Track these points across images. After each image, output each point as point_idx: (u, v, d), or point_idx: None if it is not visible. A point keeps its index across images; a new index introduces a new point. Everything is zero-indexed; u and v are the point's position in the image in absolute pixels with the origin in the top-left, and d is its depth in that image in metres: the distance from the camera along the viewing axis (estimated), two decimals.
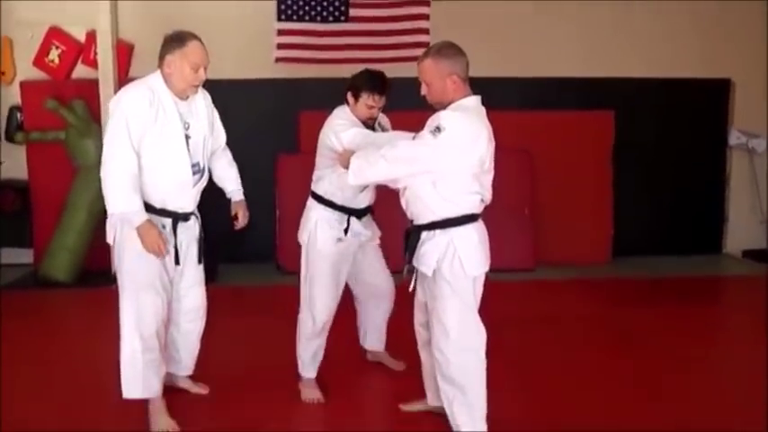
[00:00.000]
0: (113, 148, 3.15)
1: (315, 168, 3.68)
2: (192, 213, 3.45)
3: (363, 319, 4.01)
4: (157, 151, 3.21)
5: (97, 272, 6.02)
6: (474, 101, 3.02)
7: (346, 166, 3.13)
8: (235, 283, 6.12)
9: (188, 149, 3.28)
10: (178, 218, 3.36)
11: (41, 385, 3.92)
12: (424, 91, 3.04)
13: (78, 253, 6.14)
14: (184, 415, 3.51)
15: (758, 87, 7.05)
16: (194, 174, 3.34)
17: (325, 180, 3.60)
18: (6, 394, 3.73)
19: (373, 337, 4.03)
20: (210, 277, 5.89)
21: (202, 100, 3.43)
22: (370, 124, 3.57)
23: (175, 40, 3.23)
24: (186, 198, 3.37)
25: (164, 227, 3.30)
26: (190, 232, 3.47)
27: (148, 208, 3.23)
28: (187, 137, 3.28)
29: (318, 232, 3.61)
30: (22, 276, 6.36)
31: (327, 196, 3.62)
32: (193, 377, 3.81)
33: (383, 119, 3.74)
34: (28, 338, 4.69)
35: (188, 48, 3.22)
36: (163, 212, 3.30)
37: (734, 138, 7.11)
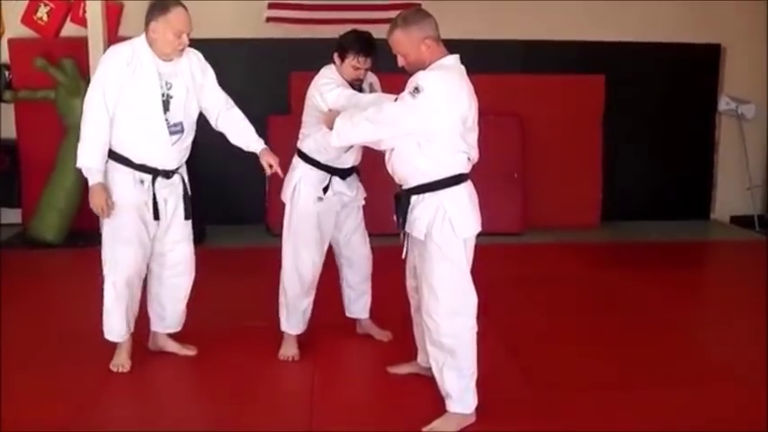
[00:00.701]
0: (87, 107, 3.33)
1: (301, 127, 3.68)
2: (175, 171, 3.51)
3: (345, 286, 3.97)
4: (133, 110, 3.33)
5: (86, 232, 5.97)
6: (452, 60, 3.00)
7: (331, 127, 3.13)
8: (224, 245, 6.13)
9: (167, 109, 3.37)
10: (158, 174, 3.43)
11: (31, 339, 3.97)
12: (401, 62, 3.02)
13: (67, 213, 6.12)
14: (171, 374, 3.60)
15: (748, 53, 7.04)
16: (174, 133, 3.42)
17: (311, 138, 3.60)
18: None
19: (357, 305, 3.99)
20: (199, 239, 5.96)
21: (191, 60, 3.47)
22: (356, 85, 3.56)
23: (159, 7, 3.31)
24: (166, 156, 3.44)
25: (142, 182, 3.42)
26: (173, 189, 3.53)
27: (129, 163, 3.38)
28: (169, 96, 3.37)
29: (301, 191, 3.63)
30: (10, 236, 6.35)
31: (312, 155, 3.62)
32: (181, 338, 3.83)
33: (373, 79, 3.71)
34: (16, 297, 4.70)
35: (171, 14, 3.29)
36: (143, 168, 3.41)
37: (723, 103, 7.11)
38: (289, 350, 3.78)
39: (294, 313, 3.76)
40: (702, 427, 3.12)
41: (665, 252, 6.17)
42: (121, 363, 3.58)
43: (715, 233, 7.04)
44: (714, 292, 5.40)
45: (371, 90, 3.66)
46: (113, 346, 3.61)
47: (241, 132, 3.64)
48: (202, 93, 3.54)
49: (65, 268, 5.66)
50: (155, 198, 3.45)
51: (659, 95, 7.05)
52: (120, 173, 3.41)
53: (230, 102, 3.67)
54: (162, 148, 3.41)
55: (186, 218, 3.60)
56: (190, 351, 3.80)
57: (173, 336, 3.81)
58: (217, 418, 3.21)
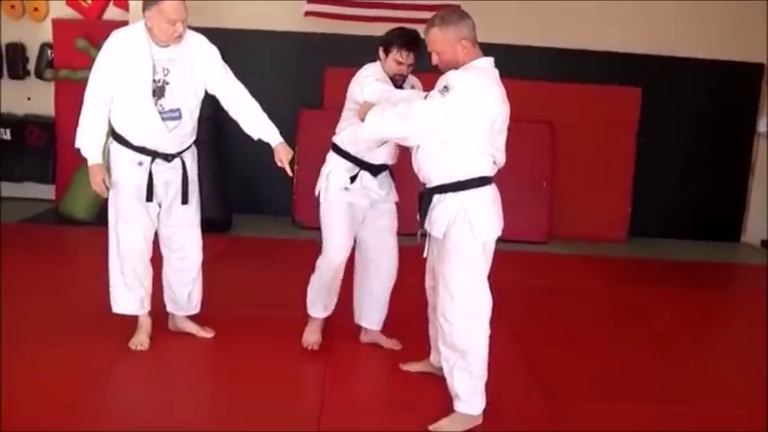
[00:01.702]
0: (86, 92, 3.46)
1: (340, 120, 3.70)
2: (175, 155, 3.57)
3: (360, 291, 3.87)
4: (126, 95, 3.43)
5: None
6: (486, 62, 3.01)
7: (363, 118, 3.15)
8: (249, 234, 6.17)
9: (162, 95, 3.44)
10: (157, 156, 3.51)
11: (56, 314, 4.06)
12: (435, 60, 3.03)
13: None
14: (188, 354, 3.67)
15: None
16: (170, 119, 3.48)
17: (346, 131, 3.61)
18: (19, 321, 3.87)
19: (370, 314, 3.85)
20: (225, 227, 6.03)
21: (191, 46, 3.50)
22: (398, 81, 3.57)
23: None
24: (164, 140, 3.52)
25: (141, 163, 3.51)
26: (175, 172, 3.60)
27: (129, 144, 3.49)
28: (165, 82, 3.43)
29: (330, 180, 3.65)
30: (43, 211, 6.50)
31: (344, 146, 3.64)
32: (200, 321, 3.88)
33: (415, 81, 3.72)
34: (45, 272, 4.81)
35: (164, 4, 3.33)
36: (142, 150, 3.50)
37: (762, 125, 7.01)
38: (311, 336, 3.81)
39: (320, 297, 3.79)
40: None
41: (690, 272, 6.11)
42: (140, 341, 3.66)
43: (743, 256, 6.93)
44: (736, 314, 5.34)
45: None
46: (135, 324, 3.70)
47: (253, 121, 3.65)
48: (207, 76, 3.57)
49: (94, 246, 5.65)
50: (150, 180, 3.52)
51: (697, 112, 6.98)
52: (121, 153, 3.51)
53: (243, 88, 3.66)
54: (157, 133, 3.48)
55: (183, 202, 3.65)
56: (207, 333, 3.86)
57: (192, 317, 3.87)
58: (226, 402, 3.23)
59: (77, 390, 3.20)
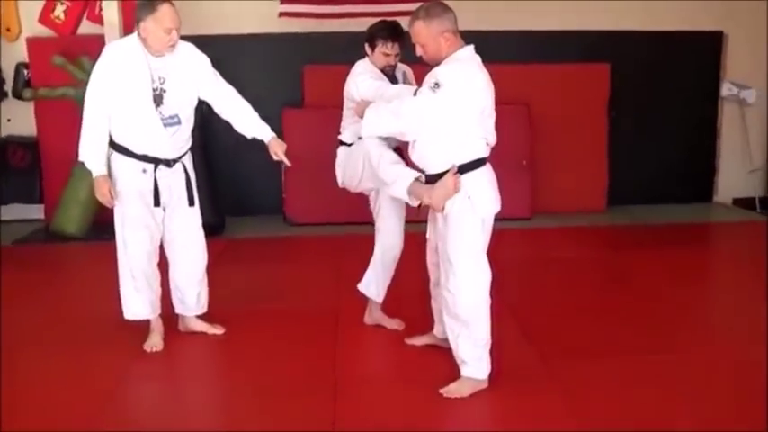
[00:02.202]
0: (85, 106, 3.55)
1: (342, 119, 3.81)
2: (176, 160, 3.71)
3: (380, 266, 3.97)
4: (127, 106, 3.53)
5: (108, 224, 6.12)
6: (468, 51, 3.16)
7: (362, 116, 3.30)
8: (243, 235, 6.31)
9: (161, 103, 3.55)
10: (159, 163, 3.64)
11: (68, 324, 4.16)
12: (419, 52, 3.18)
13: (89, 206, 6.22)
14: (202, 352, 3.83)
15: (749, 40, 7.17)
16: (170, 125, 3.61)
17: (349, 130, 3.73)
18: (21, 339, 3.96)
19: (382, 287, 3.98)
20: (218, 230, 6.13)
21: (184, 54, 3.64)
22: (389, 72, 3.72)
23: (147, 7, 3.48)
24: (165, 146, 3.64)
25: (144, 171, 3.63)
26: (177, 177, 3.73)
27: (131, 153, 3.59)
28: (162, 90, 3.55)
29: (348, 165, 3.71)
30: (33, 231, 6.52)
31: (349, 142, 3.75)
32: (208, 319, 4.02)
33: (406, 68, 3.87)
34: (44, 288, 4.90)
35: (159, 13, 3.46)
36: (144, 158, 3.62)
37: (725, 89, 7.25)
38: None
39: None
40: (705, 382, 3.36)
41: (669, 234, 6.32)
42: (154, 343, 3.78)
43: (718, 215, 7.18)
44: (714, 268, 5.60)
45: (405, 79, 3.82)
46: (145, 330, 3.82)
47: (245, 120, 3.81)
48: (200, 83, 3.71)
49: (91, 259, 5.80)
50: (156, 186, 3.65)
51: (663, 83, 7.19)
52: (123, 162, 3.61)
53: (234, 91, 3.82)
54: (159, 140, 3.60)
55: (190, 204, 3.79)
56: (218, 330, 3.99)
57: (200, 317, 4.00)
58: (245, 389, 3.38)
59: (100, 390, 3.34)
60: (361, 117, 3.31)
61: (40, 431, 2.97)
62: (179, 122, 3.64)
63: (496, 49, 6.32)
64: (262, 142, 3.82)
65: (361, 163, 3.49)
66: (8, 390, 3.29)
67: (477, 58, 3.19)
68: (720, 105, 7.40)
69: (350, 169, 3.66)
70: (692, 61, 7.22)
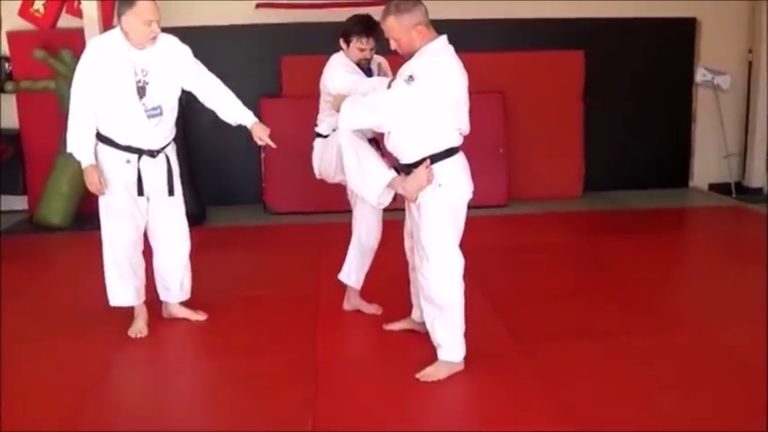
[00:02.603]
0: (71, 98, 3.64)
1: (319, 111, 3.90)
2: (160, 150, 3.79)
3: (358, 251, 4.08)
4: (111, 98, 3.61)
5: (92, 214, 6.18)
6: (440, 42, 3.24)
7: (338, 110, 3.38)
8: (224, 224, 6.39)
9: (144, 95, 3.63)
10: (143, 153, 3.73)
11: (54, 314, 4.23)
12: (393, 46, 3.27)
13: (72, 197, 6.32)
14: (185, 337, 3.93)
15: (723, 26, 7.30)
16: (153, 116, 3.70)
17: (325, 123, 3.83)
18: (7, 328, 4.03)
19: (360, 273, 4.09)
20: (199, 220, 6.20)
21: (165, 46, 3.72)
22: (364, 65, 3.80)
23: (126, 1, 3.57)
24: (148, 137, 3.73)
25: (128, 161, 3.72)
26: (160, 167, 3.82)
27: (115, 144, 3.68)
28: (145, 83, 3.63)
29: (324, 157, 3.78)
30: (18, 222, 6.57)
31: (325, 134, 3.83)
32: (191, 305, 4.11)
33: (381, 59, 3.94)
34: (29, 279, 4.96)
35: (138, 7, 3.55)
36: (128, 149, 3.71)
37: (700, 75, 7.37)
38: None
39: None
40: (680, 363, 3.47)
41: (645, 219, 6.43)
42: (139, 329, 3.88)
43: (694, 200, 7.30)
44: (690, 253, 5.71)
45: (380, 70, 3.90)
46: (130, 317, 3.92)
47: (229, 108, 3.91)
48: (183, 74, 3.80)
49: (75, 249, 5.85)
50: (139, 176, 3.75)
51: (638, 69, 7.29)
52: (108, 153, 3.70)
53: (216, 80, 3.91)
54: (142, 131, 3.69)
55: (170, 194, 3.88)
56: (201, 316, 4.09)
57: (183, 303, 4.10)
58: (228, 374, 3.49)
59: (86, 376, 3.43)
60: (338, 111, 3.39)
61: (28, 417, 3.06)
62: (162, 113, 3.73)
63: (471, 37, 6.44)
64: (245, 129, 3.90)
65: (336, 155, 3.57)
66: None
67: (451, 49, 3.27)
68: (695, 91, 7.52)
69: (326, 161, 3.74)
70: (666, 48, 7.33)
